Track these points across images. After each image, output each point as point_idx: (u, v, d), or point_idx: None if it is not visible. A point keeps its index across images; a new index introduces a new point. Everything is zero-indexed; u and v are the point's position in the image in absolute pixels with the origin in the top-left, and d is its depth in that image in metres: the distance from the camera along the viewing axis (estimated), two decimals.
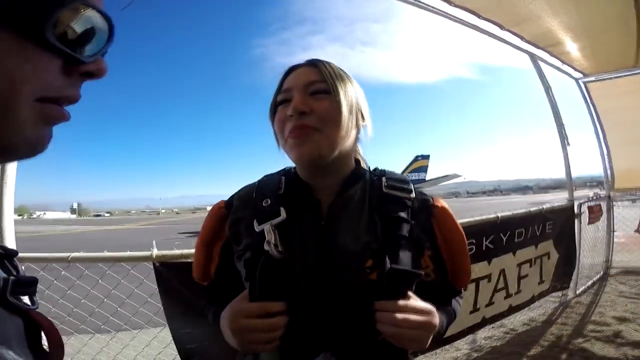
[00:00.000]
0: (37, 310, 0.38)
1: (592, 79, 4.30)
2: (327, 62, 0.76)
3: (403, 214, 0.73)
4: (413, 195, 0.77)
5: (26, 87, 0.31)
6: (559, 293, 3.64)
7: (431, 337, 0.69)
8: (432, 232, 0.78)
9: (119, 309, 1.97)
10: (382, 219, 0.73)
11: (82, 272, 1.78)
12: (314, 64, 0.76)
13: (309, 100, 0.71)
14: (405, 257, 0.71)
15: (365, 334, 0.68)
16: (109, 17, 0.36)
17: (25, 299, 0.38)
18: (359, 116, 0.78)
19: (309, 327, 0.69)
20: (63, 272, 1.73)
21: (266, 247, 0.68)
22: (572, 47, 3.55)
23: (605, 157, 4.61)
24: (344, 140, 0.74)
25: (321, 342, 0.69)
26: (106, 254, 1.70)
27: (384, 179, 0.79)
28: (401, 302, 0.65)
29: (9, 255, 0.39)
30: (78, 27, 0.33)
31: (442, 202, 0.81)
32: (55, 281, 1.75)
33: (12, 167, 1.56)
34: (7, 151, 0.33)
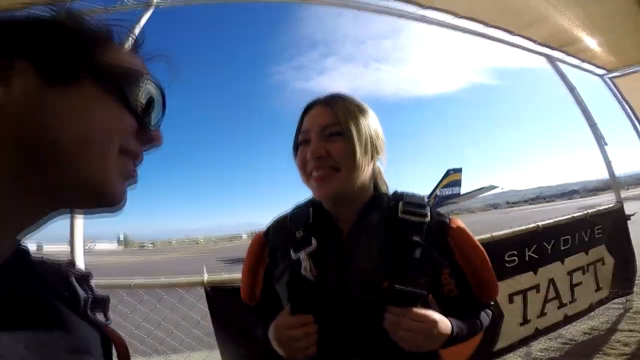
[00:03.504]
0: (109, 325, 0.44)
1: (618, 74, 4.15)
2: (342, 100, 0.84)
3: (416, 238, 0.79)
4: (428, 218, 0.82)
5: (116, 138, 0.38)
6: (623, 299, 3.36)
7: (429, 343, 0.74)
8: (450, 251, 0.84)
9: (174, 330, 2.12)
10: (396, 243, 0.79)
11: (141, 297, 1.99)
12: (328, 104, 0.83)
13: (325, 143, 0.80)
14: (416, 277, 0.77)
15: (388, 344, 0.76)
16: (164, 90, 0.44)
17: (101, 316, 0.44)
18: (374, 151, 0.86)
19: (340, 337, 0.79)
20: (125, 297, 1.93)
21: (303, 272, 0.79)
22: (588, 45, 3.48)
23: None
24: (360, 176, 0.82)
25: (351, 350, 0.79)
26: (163, 280, 1.90)
27: (400, 203, 0.85)
28: (402, 309, 0.73)
29: (85, 277, 0.45)
30: (144, 98, 0.41)
31: (459, 223, 0.86)
32: (118, 305, 1.95)
33: None
34: (97, 196, 0.37)
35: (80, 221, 1.85)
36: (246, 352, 1.72)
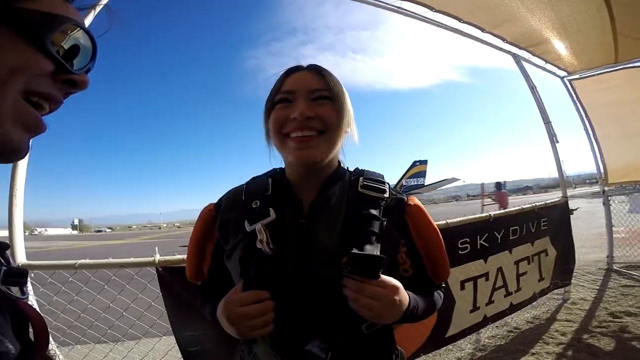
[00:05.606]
0: (26, 301, 0.40)
1: (577, 76, 4.36)
2: (327, 71, 0.83)
3: (374, 212, 0.78)
4: (387, 194, 0.82)
5: (19, 78, 0.37)
6: (561, 290, 3.63)
7: (391, 312, 0.71)
8: (406, 229, 0.83)
9: (124, 313, 2.03)
10: (355, 216, 0.77)
11: (87, 281, 1.87)
12: (318, 71, 0.82)
13: (313, 105, 0.77)
14: (373, 249, 0.73)
15: (349, 323, 0.73)
16: (93, 38, 0.45)
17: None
18: (347, 125, 0.84)
19: (299, 317, 0.74)
20: (70, 279, 1.82)
21: (259, 245, 0.73)
22: (554, 46, 3.63)
23: (597, 152, 4.61)
24: (338, 144, 0.81)
25: (311, 330, 0.74)
26: (111, 260, 1.77)
27: (361, 179, 0.84)
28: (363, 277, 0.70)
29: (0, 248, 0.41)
30: (68, 43, 0.42)
31: (416, 201, 0.86)
32: (63, 287, 1.84)
33: (21, 182, 1.68)
34: None
35: (19, 203, 1.70)
36: (201, 333, 1.67)
